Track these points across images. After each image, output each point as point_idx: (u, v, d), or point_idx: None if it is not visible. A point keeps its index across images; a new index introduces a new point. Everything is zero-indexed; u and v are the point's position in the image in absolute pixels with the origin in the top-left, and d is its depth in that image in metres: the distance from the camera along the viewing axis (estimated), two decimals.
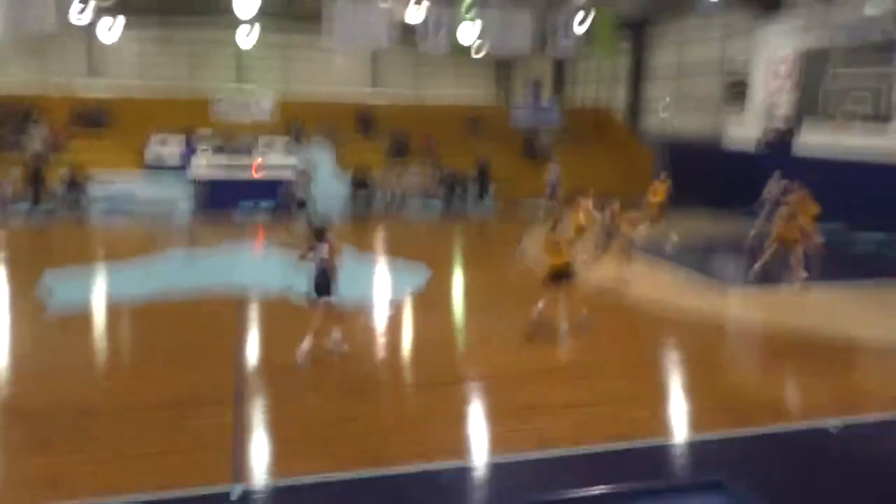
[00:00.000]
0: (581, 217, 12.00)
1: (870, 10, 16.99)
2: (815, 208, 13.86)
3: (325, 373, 7.29)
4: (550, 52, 23.27)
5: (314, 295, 7.64)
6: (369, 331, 8.89)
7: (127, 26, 24.64)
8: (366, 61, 38.04)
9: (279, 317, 9.35)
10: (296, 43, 36.13)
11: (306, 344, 7.52)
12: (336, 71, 37.77)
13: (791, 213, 11.64)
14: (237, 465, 5.35)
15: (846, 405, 6.83)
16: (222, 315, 9.26)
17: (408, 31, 23.23)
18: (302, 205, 16.03)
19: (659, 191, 15.05)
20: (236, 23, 27.48)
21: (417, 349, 8.41)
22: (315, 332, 7.59)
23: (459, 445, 5.81)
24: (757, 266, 11.77)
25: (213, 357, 7.67)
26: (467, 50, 24.17)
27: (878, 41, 17.19)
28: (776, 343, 8.89)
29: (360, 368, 7.47)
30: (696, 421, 6.53)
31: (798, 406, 7.07)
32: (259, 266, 12.88)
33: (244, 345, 8.22)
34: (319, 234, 7.75)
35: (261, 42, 34.30)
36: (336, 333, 7.78)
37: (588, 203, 12.17)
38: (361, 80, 38.42)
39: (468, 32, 22.00)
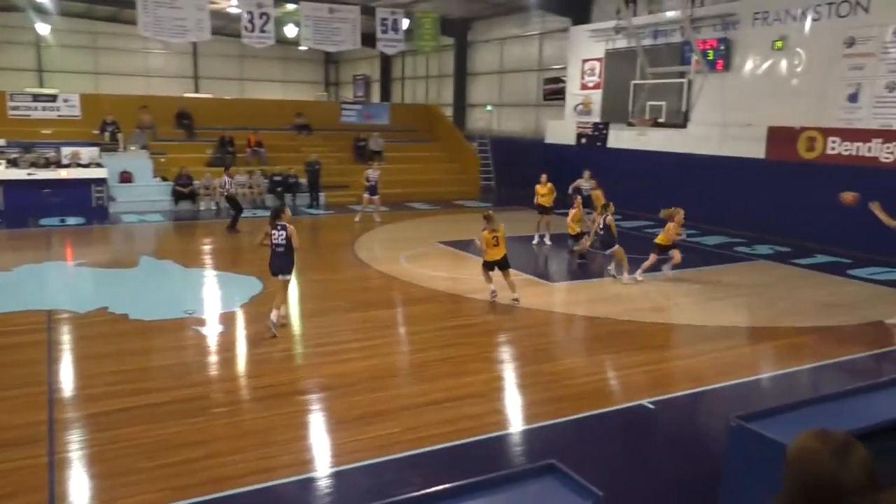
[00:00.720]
0: (572, 225, 13.51)
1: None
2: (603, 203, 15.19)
3: (150, 395, 6.84)
4: (377, 48, 23.32)
5: (273, 274, 8.95)
6: (198, 347, 8.48)
7: None
8: (186, 54, 36.06)
9: (94, 339, 8.64)
10: (106, 32, 33.46)
11: (273, 315, 8.69)
12: (153, 64, 35.48)
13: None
14: None
15: (659, 384, 7.51)
16: (29, 342, 8.39)
17: (231, 22, 22.29)
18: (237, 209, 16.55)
19: (541, 193, 15.34)
20: (35, 7, 25.03)
21: (251, 362, 8.12)
22: (285, 301, 9.04)
23: (299, 459, 5.69)
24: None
25: (20, 391, 6.92)
26: (294, 44, 23.62)
27: (676, 42, 18.94)
28: (597, 332, 9.56)
29: (189, 387, 7.09)
30: (529, 411, 6.86)
31: (619, 388, 7.64)
32: (69, 285, 11.80)
33: (56, 374, 7.49)
34: (276, 218, 8.91)
35: (65, 30, 31.47)
36: (273, 315, 8.71)
37: (576, 212, 13.43)
38: (182, 74, 36.39)
39: (293, 25, 21.52)
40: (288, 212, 9.16)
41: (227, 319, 9.56)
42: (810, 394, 5.71)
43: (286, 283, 9.03)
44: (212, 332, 8.99)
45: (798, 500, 1.92)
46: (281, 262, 8.93)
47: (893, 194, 14.14)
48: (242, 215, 16.77)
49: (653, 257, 12.07)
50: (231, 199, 16.91)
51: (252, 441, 5.93)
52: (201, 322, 9.30)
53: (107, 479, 5.35)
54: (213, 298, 10.95)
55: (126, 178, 19.47)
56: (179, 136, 22.37)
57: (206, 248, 15.22)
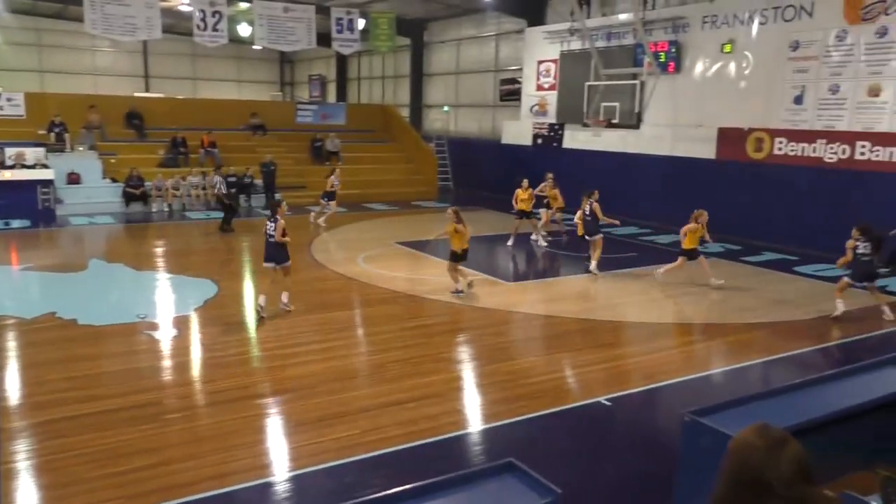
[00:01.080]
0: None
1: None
2: (559, 202, 15.31)
3: (101, 402, 6.66)
4: (333, 48, 23.15)
5: (266, 264, 9.80)
6: (150, 352, 8.30)
7: None
8: (136, 53, 35.24)
9: (41, 345, 8.38)
10: (52, 29, 32.50)
11: (262, 300, 9.56)
12: (101, 62, 34.60)
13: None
14: None
15: (615, 381, 7.62)
16: None
17: (183, 20, 21.83)
18: (231, 208, 16.68)
19: (521, 198, 15.07)
20: None
21: (206, 367, 7.98)
22: (267, 293, 9.67)
23: (257, 463, 5.62)
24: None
25: None
26: (248, 43, 23.27)
27: (629, 44, 19.26)
28: (554, 331, 9.65)
29: (142, 393, 6.93)
30: (488, 410, 6.88)
31: (576, 385, 7.73)
32: (15, 290, 11.43)
33: (2, 381, 7.24)
34: (272, 213, 9.77)
35: (8, 27, 30.47)
36: (284, 296, 9.80)
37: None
38: (131, 73, 35.55)
39: (246, 24, 21.20)
40: (284, 206, 10.09)
41: (181, 323, 9.38)
42: (761, 388, 5.87)
43: (279, 271, 9.81)
44: (165, 336, 8.81)
45: (730, 491, 2.03)
46: (269, 252, 9.76)
47: (837, 193, 14.68)
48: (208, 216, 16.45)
49: (681, 261, 11.86)
50: (221, 200, 16.92)
51: (208, 446, 5.83)
52: (154, 326, 9.11)
53: (56, 489, 5.20)
54: (166, 302, 10.72)
55: (74, 179, 18.95)
56: (130, 136, 21.87)
57: (159, 250, 14.91)
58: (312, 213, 17.58)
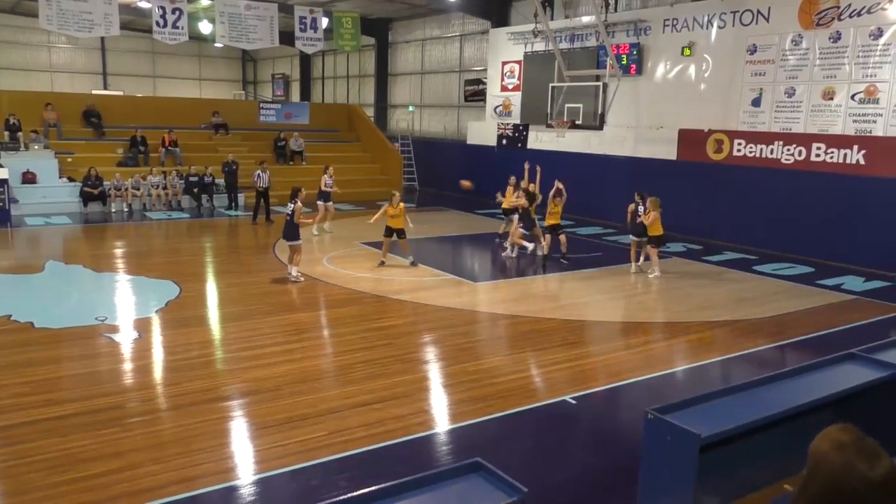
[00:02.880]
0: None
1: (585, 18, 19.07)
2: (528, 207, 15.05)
3: (61, 407, 6.52)
4: (296, 47, 22.95)
5: (284, 240, 11.81)
6: (111, 355, 8.14)
7: None
8: (94, 49, 34.51)
9: None
10: (4, 25, 31.65)
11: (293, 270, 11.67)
12: (58, 59, 33.82)
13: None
14: None
15: (580, 379, 7.71)
16: None
17: (142, 17, 21.38)
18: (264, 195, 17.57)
19: (550, 211, 13.81)
20: None
21: (169, 369, 7.84)
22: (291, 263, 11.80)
23: (222, 467, 5.55)
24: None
25: None
26: (209, 41, 22.95)
27: (592, 46, 19.48)
28: (519, 330, 9.71)
29: (103, 396, 6.80)
30: (455, 410, 6.90)
31: (542, 384, 7.79)
32: None
33: None
34: (293, 196, 11.76)
35: None
36: (294, 269, 11.64)
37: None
38: (89, 70, 34.80)
39: (207, 22, 20.89)
40: (303, 192, 12.02)
41: (143, 325, 9.22)
42: (722, 385, 6.00)
43: (293, 247, 11.63)
44: (126, 339, 8.65)
45: (815, 499, 1.73)
46: (285, 230, 11.76)
47: (794, 193, 15.04)
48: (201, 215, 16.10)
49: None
50: (262, 194, 17.48)
51: (172, 450, 5.75)
52: (114, 329, 8.93)
53: (15, 496, 5.07)
54: (126, 304, 10.51)
55: (30, 178, 18.48)
56: (88, 134, 21.42)
57: (119, 251, 14.62)
58: (315, 226, 15.97)
